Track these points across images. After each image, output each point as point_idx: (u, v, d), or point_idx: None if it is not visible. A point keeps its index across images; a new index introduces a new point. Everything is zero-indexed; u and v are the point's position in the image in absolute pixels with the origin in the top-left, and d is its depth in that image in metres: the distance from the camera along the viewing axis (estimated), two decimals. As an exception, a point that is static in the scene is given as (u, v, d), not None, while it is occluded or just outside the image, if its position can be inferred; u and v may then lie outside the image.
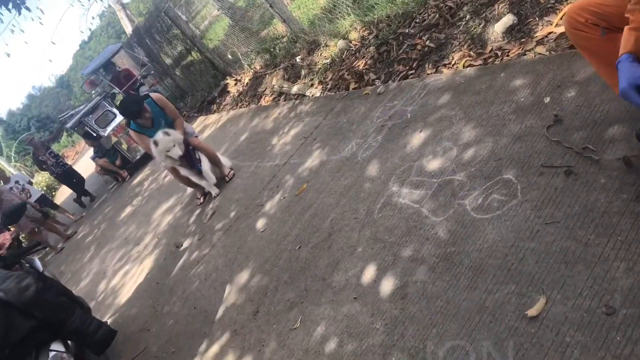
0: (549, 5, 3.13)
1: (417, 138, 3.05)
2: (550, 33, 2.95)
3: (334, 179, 3.38)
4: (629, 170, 1.87)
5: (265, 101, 6.47)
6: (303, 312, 2.55)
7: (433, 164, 2.74)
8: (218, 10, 9.40)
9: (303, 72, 5.72)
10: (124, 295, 4.59)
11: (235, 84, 8.07)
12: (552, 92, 2.48)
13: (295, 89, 5.63)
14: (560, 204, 1.98)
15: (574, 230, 1.85)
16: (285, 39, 6.67)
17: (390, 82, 4.04)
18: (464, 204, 2.34)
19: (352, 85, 4.56)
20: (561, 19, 2.94)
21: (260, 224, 3.65)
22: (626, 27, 1.61)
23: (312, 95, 5.19)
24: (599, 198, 1.88)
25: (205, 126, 7.88)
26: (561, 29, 2.86)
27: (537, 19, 3.14)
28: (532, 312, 1.72)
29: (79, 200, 10.67)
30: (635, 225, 1.71)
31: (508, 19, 3.27)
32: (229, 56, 8.40)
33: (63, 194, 16.31)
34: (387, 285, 2.27)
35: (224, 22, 10.68)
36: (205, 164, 4.78)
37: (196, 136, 4.95)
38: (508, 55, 3.12)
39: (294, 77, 5.94)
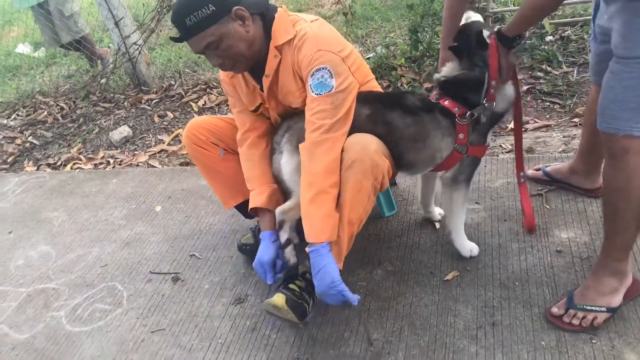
0: (162, 126, 3.36)
1: (6, 240, 2.54)
2: (162, 150, 3.12)
3: None
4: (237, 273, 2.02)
5: None
6: None
7: (23, 271, 2.30)
8: None
9: None
10: None
11: None
12: (164, 202, 2.56)
13: None
14: (167, 310, 1.94)
15: (178, 337, 1.82)
16: None
17: (-26, 173, 3.34)
18: (58, 316, 2.01)
19: None
20: (173, 139, 3.18)
21: None
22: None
23: None
24: (203, 303, 1.94)
25: None
26: (173, 148, 3.08)
27: (151, 135, 3.30)
28: None
29: None
30: (233, 328, 1.82)
31: (123, 130, 3.31)
32: None
33: None
34: None
35: None
36: None
37: None
38: (120, 164, 3.10)
39: None
